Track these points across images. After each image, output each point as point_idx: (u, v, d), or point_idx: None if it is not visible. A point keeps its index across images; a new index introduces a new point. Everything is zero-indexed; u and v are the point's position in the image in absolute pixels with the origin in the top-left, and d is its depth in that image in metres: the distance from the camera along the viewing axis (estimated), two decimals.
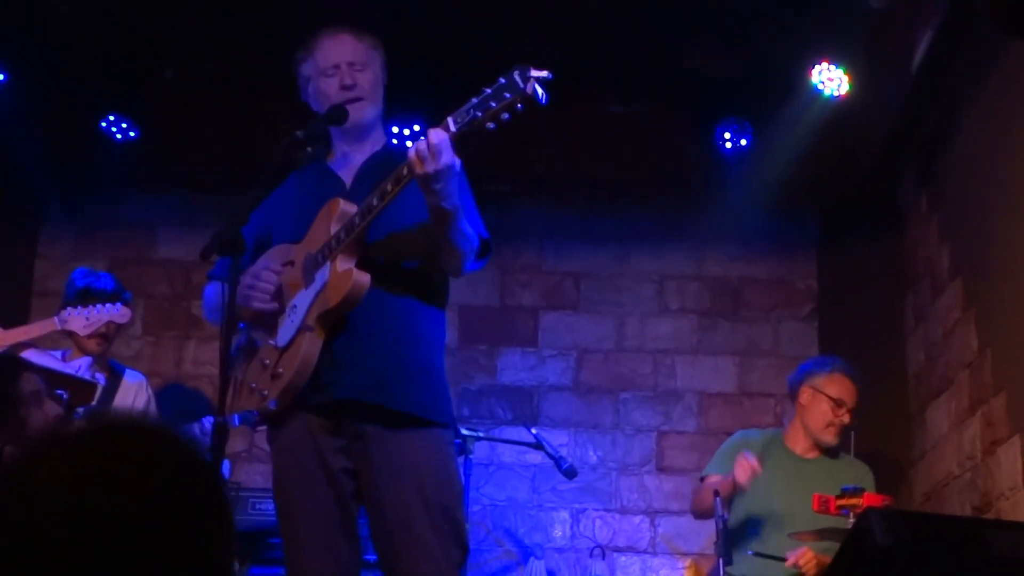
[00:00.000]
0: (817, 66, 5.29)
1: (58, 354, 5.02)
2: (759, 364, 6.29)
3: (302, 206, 3.54)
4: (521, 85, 2.99)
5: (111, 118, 5.78)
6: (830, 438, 5.00)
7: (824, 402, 5.00)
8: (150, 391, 5.22)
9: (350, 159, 3.63)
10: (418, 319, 3.46)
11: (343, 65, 3.56)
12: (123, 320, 4.83)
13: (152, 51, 5.59)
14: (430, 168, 3.13)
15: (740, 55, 5.50)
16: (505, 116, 3.05)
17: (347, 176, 3.60)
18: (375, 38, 3.68)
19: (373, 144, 3.65)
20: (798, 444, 5.08)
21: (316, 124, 3.46)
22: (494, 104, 3.04)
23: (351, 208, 3.38)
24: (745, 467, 4.59)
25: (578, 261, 6.43)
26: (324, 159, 3.67)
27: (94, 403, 4.52)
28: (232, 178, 5.01)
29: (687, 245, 6.39)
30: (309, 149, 3.44)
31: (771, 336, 6.33)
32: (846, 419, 4.98)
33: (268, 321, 3.48)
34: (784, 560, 4.59)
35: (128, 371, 5.21)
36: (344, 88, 3.54)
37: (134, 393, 5.10)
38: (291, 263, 3.50)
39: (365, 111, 3.58)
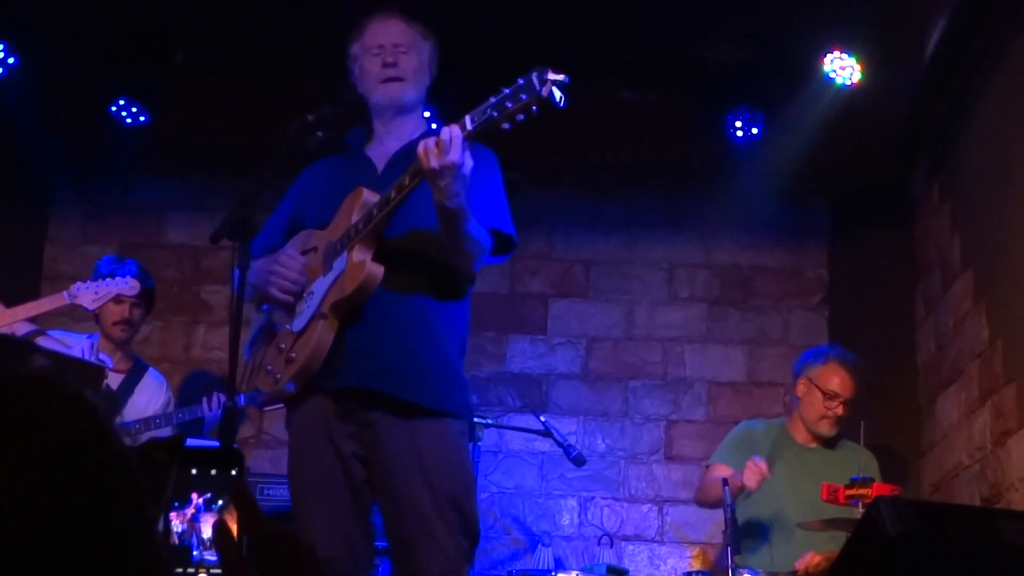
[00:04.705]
0: (829, 54, 5.27)
1: (85, 338, 5.05)
2: (769, 353, 6.27)
3: (332, 192, 3.56)
4: (538, 88, 2.98)
5: (121, 102, 5.78)
6: (824, 430, 5.02)
7: (817, 394, 4.99)
8: (170, 393, 5.28)
9: (386, 144, 3.64)
10: (432, 312, 3.46)
11: (388, 45, 3.58)
12: (131, 292, 4.87)
13: (162, 35, 5.57)
14: (435, 164, 3.13)
15: (752, 43, 5.47)
16: (520, 117, 3.05)
17: (380, 162, 3.61)
18: (426, 27, 3.67)
19: (412, 129, 3.65)
20: (801, 434, 5.09)
21: (327, 109, 3.47)
22: (510, 105, 3.04)
23: (373, 198, 3.39)
24: (755, 471, 4.59)
25: (588, 249, 6.41)
26: (363, 145, 3.67)
27: (102, 386, 4.53)
28: (242, 163, 5.00)
29: (697, 233, 6.37)
30: (320, 134, 3.45)
31: (781, 325, 6.31)
32: (839, 411, 4.98)
33: (288, 305, 3.51)
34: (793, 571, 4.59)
35: (152, 370, 5.28)
36: (385, 66, 3.55)
37: (154, 391, 5.16)
38: (314, 249, 3.53)
39: (404, 92, 3.59)
